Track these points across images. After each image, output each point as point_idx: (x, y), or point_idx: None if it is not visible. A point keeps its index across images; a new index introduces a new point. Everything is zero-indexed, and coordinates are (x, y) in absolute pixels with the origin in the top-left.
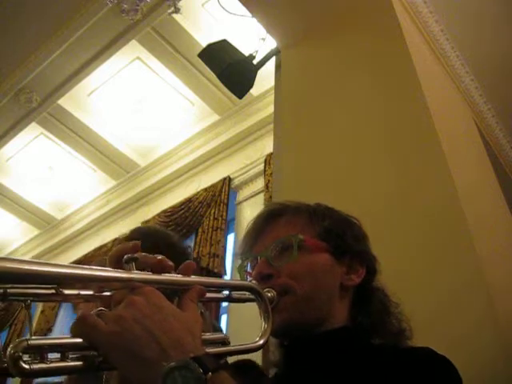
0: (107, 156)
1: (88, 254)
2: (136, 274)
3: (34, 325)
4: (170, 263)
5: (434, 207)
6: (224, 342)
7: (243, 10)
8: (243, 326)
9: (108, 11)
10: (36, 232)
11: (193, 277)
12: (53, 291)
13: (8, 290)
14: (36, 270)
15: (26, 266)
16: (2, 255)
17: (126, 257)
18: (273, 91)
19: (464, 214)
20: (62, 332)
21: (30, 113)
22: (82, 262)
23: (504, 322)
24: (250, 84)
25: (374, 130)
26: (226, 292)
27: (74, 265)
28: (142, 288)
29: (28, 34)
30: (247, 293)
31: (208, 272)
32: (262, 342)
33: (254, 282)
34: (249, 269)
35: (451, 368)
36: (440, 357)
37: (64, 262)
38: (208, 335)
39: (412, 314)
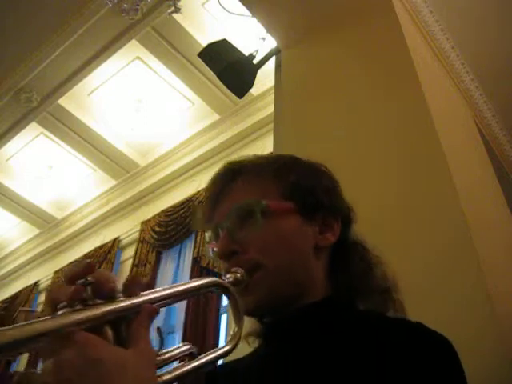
0: (107, 155)
1: (88, 253)
2: (66, 318)
3: None
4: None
5: (433, 207)
6: (191, 353)
7: (243, 9)
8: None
9: (108, 11)
10: (36, 231)
11: (142, 295)
12: None
13: None
14: None
15: None
16: (2, 255)
17: (78, 282)
18: (273, 91)
19: (464, 214)
20: None
21: (30, 112)
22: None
23: (505, 322)
24: (250, 84)
25: (374, 129)
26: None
27: None
28: (74, 337)
29: (28, 34)
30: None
31: (208, 271)
32: (229, 347)
33: (220, 279)
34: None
35: (448, 346)
36: (434, 333)
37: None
38: (170, 352)
39: (410, 317)
